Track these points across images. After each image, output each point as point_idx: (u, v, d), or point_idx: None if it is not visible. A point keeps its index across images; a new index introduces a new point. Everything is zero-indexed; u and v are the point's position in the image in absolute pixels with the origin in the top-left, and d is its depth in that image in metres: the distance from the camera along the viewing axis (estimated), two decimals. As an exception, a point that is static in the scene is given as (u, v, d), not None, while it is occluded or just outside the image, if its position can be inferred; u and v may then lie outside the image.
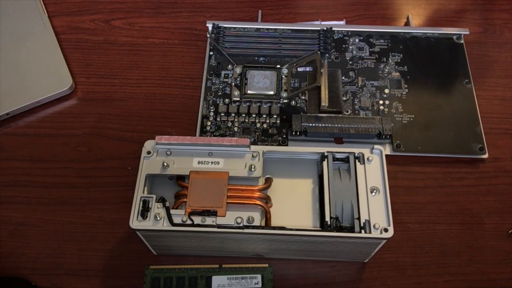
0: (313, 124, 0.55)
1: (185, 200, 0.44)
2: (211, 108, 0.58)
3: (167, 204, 0.44)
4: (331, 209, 0.44)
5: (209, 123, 0.57)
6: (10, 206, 0.53)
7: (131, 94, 0.60)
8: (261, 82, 0.58)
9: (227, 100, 0.58)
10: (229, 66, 0.60)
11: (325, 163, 0.46)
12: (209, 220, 0.43)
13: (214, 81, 0.60)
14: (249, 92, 0.58)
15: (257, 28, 0.63)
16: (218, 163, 0.45)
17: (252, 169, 0.45)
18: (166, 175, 0.46)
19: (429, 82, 0.59)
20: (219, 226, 0.43)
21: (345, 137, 0.56)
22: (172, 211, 0.43)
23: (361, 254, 0.48)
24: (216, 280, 0.49)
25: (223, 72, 0.60)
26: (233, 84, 0.59)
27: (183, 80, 0.61)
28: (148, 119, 0.59)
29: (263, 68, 0.59)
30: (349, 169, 0.46)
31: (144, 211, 0.43)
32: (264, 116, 0.57)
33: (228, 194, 0.44)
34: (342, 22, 0.66)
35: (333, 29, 0.63)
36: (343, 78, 0.59)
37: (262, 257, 0.50)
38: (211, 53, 0.62)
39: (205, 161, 0.45)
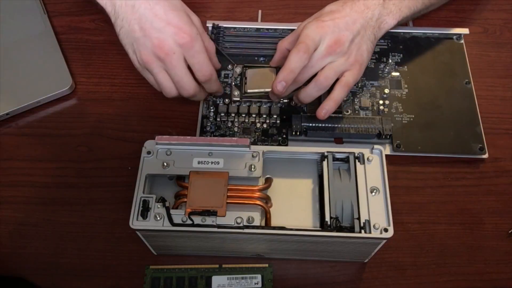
0: (313, 124, 0.55)
1: (185, 200, 0.44)
2: (211, 108, 0.58)
3: (167, 204, 0.44)
4: (331, 209, 0.44)
5: (209, 123, 0.57)
6: (10, 206, 0.53)
7: (131, 94, 0.60)
8: (261, 82, 0.58)
9: (227, 100, 0.58)
10: (229, 66, 0.60)
11: (325, 163, 0.46)
12: (209, 220, 0.43)
13: (214, 81, 0.60)
14: (249, 91, 0.58)
15: (257, 28, 0.63)
16: (218, 163, 0.45)
17: (252, 169, 0.45)
18: (166, 175, 0.46)
19: (429, 82, 0.59)
20: (219, 226, 0.43)
21: (345, 137, 0.56)
22: (172, 211, 0.43)
23: (361, 254, 0.48)
24: (216, 280, 0.49)
25: (223, 72, 0.60)
26: (233, 84, 0.59)
27: (183, 80, 0.61)
28: (148, 119, 0.59)
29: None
30: (349, 169, 0.46)
31: (144, 211, 0.43)
32: (264, 116, 0.57)
33: (228, 194, 0.44)
34: (342, 22, 0.66)
35: (333, 29, 0.63)
36: (343, 78, 0.59)
37: (262, 257, 0.50)
38: (211, 53, 0.62)
39: (205, 161, 0.45)
